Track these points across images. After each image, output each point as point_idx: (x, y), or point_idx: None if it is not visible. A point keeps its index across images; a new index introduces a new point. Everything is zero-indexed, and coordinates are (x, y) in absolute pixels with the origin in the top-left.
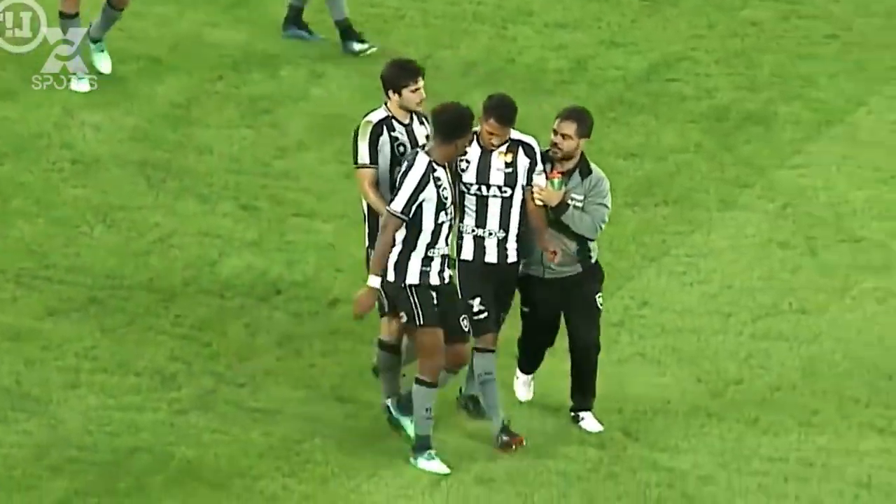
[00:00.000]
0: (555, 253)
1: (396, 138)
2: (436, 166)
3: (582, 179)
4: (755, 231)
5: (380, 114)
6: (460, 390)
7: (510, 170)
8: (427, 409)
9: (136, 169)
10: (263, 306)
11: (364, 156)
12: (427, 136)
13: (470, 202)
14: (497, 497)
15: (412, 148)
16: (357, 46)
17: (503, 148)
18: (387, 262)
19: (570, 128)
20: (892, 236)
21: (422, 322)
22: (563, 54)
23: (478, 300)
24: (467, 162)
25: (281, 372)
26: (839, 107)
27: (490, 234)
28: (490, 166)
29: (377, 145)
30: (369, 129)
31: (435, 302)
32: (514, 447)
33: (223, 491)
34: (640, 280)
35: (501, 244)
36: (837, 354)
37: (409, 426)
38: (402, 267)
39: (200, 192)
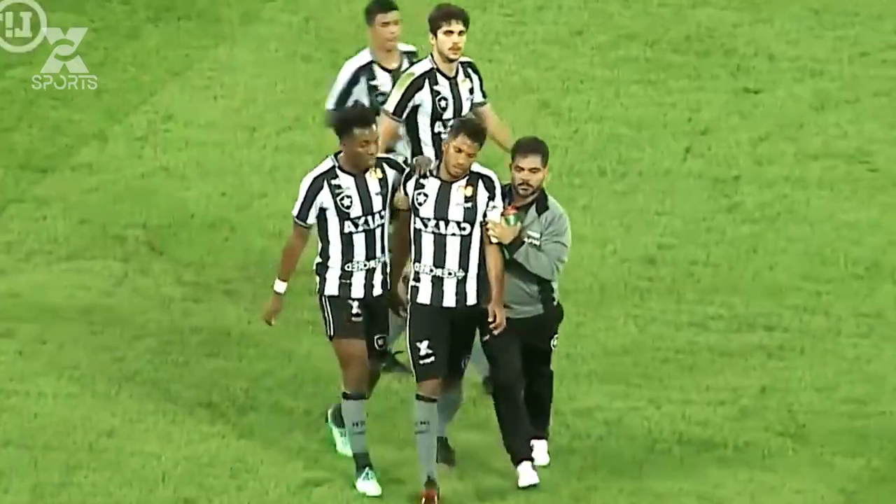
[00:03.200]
0: (497, 325)
1: (438, 93)
2: (339, 172)
3: (539, 215)
4: (278, 45)
5: (424, 66)
6: None
7: (469, 204)
8: (356, 424)
9: None
10: None
11: (391, 105)
12: (471, 91)
13: (427, 241)
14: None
15: (456, 104)
16: None
17: (462, 182)
18: (291, 267)
19: (536, 160)
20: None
21: (333, 333)
22: None
23: (426, 343)
24: (425, 195)
25: None
26: None
27: (450, 273)
28: (449, 200)
29: (411, 100)
30: (409, 81)
31: (355, 312)
32: (423, 501)
33: None
34: (163, 94)
35: (461, 285)
36: None
37: (339, 438)
38: (322, 278)
39: None
